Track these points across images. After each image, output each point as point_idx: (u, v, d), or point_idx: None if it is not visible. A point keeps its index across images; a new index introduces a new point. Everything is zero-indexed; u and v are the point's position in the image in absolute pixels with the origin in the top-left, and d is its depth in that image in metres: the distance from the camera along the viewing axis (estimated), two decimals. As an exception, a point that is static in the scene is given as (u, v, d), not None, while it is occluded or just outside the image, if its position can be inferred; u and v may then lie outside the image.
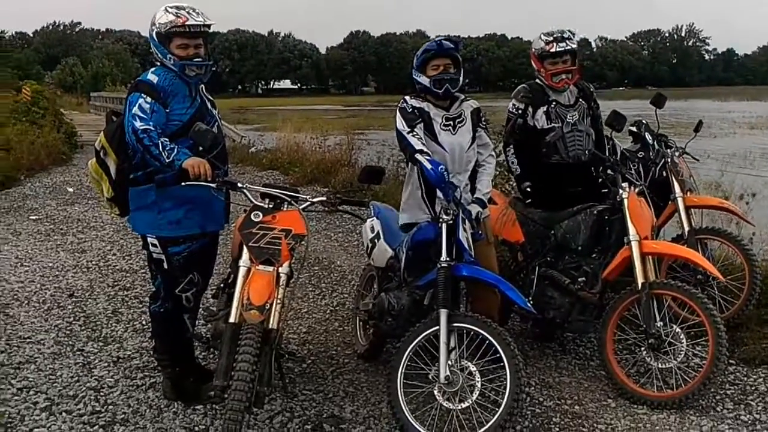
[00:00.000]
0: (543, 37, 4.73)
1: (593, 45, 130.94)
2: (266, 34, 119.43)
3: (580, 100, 4.82)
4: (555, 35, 4.69)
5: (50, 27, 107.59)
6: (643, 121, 5.37)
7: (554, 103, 4.73)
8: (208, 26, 3.77)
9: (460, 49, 4.08)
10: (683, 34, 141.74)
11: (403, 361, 3.66)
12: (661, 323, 4.04)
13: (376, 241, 4.39)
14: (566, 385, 4.30)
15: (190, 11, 3.71)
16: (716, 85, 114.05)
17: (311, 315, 5.54)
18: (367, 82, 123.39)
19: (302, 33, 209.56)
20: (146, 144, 3.49)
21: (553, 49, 4.65)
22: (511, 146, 4.82)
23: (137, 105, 3.58)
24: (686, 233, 4.86)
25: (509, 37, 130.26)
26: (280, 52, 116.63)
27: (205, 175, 3.47)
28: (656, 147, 5.18)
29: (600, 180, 4.65)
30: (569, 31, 4.75)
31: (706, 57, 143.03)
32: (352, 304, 5.25)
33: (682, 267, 4.88)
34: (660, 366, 4.07)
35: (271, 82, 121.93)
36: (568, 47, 4.67)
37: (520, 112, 4.77)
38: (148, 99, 3.60)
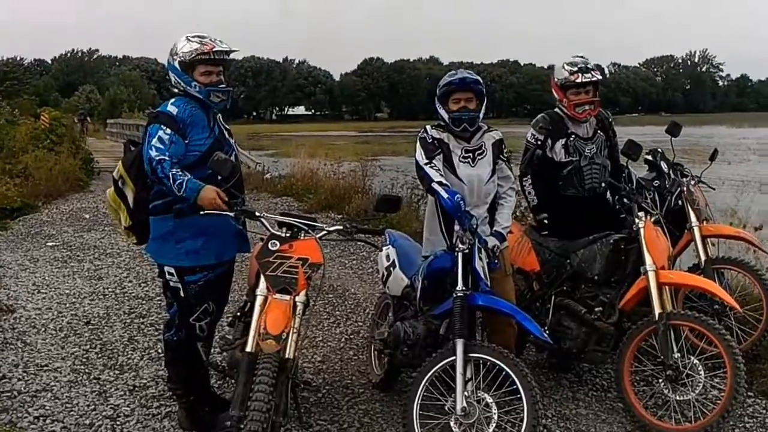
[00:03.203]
0: (567, 67, 4.64)
1: (606, 71, 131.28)
2: (281, 61, 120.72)
3: (599, 131, 4.78)
4: (579, 65, 4.60)
5: (68, 54, 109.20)
6: (659, 150, 5.36)
7: (573, 136, 4.69)
8: (231, 53, 3.85)
9: (482, 84, 4.07)
10: (697, 60, 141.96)
11: (419, 391, 3.64)
12: (679, 354, 4.00)
13: (391, 269, 4.39)
14: (583, 417, 4.26)
15: (213, 39, 3.80)
16: (730, 111, 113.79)
17: (326, 343, 5.53)
18: (380, 108, 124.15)
19: (317, 59, 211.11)
20: (159, 175, 3.55)
21: (578, 80, 4.57)
22: (529, 176, 4.80)
23: (156, 137, 3.63)
24: (702, 263, 4.84)
25: (522, 64, 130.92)
26: (295, 78, 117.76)
27: (219, 207, 3.52)
28: (672, 176, 5.17)
29: (617, 207, 4.63)
30: (596, 64, 4.73)
31: (720, 83, 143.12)
32: (367, 332, 5.24)
33: (698, 297, 4.85)
34: (678, 398, 4.03)
35: (285, 108, 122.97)
36: (594, 78, 4.60)
37: (539, 143, 4.73)
38: (168, 130, 3.65)
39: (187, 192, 3.52)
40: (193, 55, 3.74)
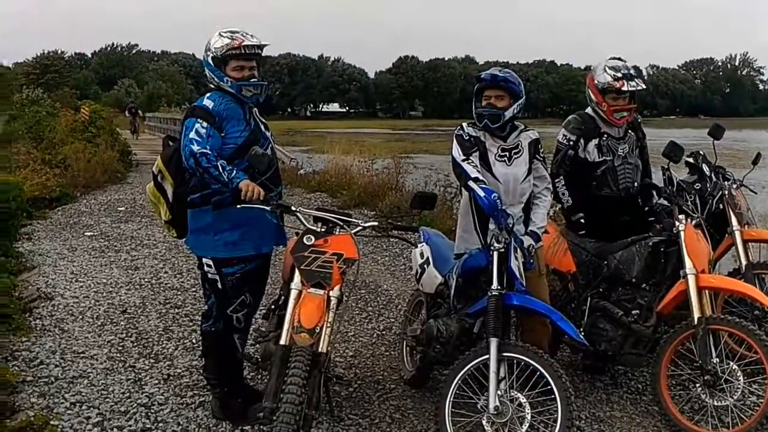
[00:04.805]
0: (609, 71, 4.54)
1: (645, 73, 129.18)
2: (316, 58, 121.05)
3: (629, 131, 4.73)
4: (623, 72, 4.51)
5: (108, 48, 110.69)
6: (701, 153, 5.27)
7: (606, 135, 4.63)
8: (263, 47, 3.88)
9: (517, 83, 4.00)
10: (737, 64, 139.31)
11: (451, 389, 3.63)
12: (717, 359, 3.93)
13: (425, 266, 4.38)
14: (617, 420, 4.21)
15: (245, 34, 3.84)
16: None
17: (358, 338, 5.54)
18: (414, 106, 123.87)
19: (352, 57, 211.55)
20: (205, 166, 3.57)
21: (624, 88, 4.48)
22: (562, 177, 4.69)
23: (194, 130, 3.67)
24: (743, 267, 4.75)
25: (558, 64, 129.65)
26: (330, 76, 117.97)
27: (257, 197, 3.54)
28: (713, 179, 5.07)
29: (647, 209, 4.57)
30: (634, 67, 4.64)
31: (761, 87, 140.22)
32: (399, 329, 5.24)
33: (738, 302, 4.76)
34: (715, 403, 3.96)
35: (320, 105, 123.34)
36: (639, 87, 4.52)
37: (571, 143, 4.65)
38: (204, 124, 3.69)
39: (239, 175, 3.56)
40: (224, 51, 3.79)
